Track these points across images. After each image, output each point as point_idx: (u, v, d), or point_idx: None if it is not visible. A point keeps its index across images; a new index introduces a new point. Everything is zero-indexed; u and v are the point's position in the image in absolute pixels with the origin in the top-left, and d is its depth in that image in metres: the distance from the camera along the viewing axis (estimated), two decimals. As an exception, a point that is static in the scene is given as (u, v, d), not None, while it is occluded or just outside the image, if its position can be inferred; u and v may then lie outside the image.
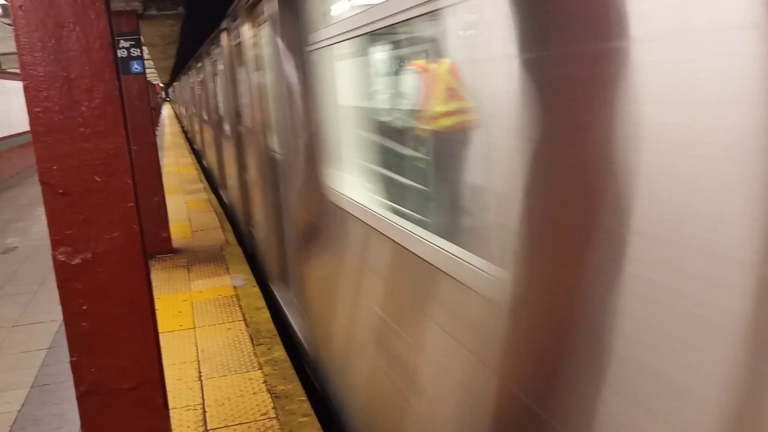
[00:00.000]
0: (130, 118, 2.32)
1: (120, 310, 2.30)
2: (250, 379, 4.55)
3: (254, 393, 4.35)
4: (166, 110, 62.85)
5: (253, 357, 4.91)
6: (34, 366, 5.22)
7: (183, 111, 33.03)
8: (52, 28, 2.09)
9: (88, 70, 2.13)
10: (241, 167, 7.65)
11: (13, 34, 2.11)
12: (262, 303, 6.11)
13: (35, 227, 10.87)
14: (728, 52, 0.95)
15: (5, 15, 7.88)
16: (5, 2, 7.28)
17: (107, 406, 2.38)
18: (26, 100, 2.12)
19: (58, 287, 2.26)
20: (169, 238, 8.17)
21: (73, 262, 2.22)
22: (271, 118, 5.21)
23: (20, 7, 2.07)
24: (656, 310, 1.12)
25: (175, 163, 18.93)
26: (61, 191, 2.18)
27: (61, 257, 2.22)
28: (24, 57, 2.11)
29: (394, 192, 3.19)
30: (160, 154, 9.53)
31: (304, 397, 4.25)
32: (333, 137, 3.32)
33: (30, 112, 2.13)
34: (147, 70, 8.01)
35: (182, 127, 36.49)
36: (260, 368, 4.71)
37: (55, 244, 2.21)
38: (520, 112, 1.48)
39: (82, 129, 2.15)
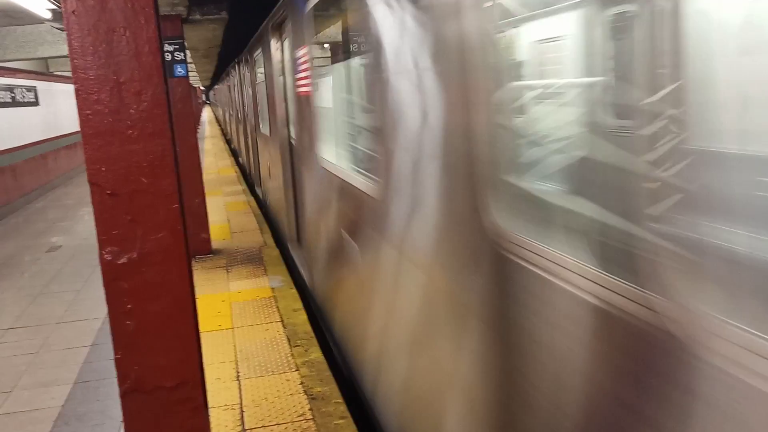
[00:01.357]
0: (174, 121, 2.36)
1: (164, 310, 2.33)
2: (287, 380, 4.59)
3: (291, 394, 4.38)
4: (206, 113, 63.75)
5: (290, 358, 4.95)
6: (77, 363, 5.34)
7: (228, 120, 29.58)
8: (103, 33, 2.13)
9: (138, 73, 2.17)
10: None
11: (66, 38, 2.16)
12: (299, 305, 6.15)
13: (79, 226, 11.13)
14: None
15: (55, 19, 8.07)
16: (56, 7, 7.48)
17: (149, 404, 2.42)
18: (77, 102, 2.17)
19: (105, 286, 2.30)
20: (208, 239, 8.29)
21: (119, 262, 2.26)
22: None
23: (73, 12, 2.13)
24: None
25: (214, 165, 19.19)
26: (109, 192, 2.22)
27: (108, 257, 2.26)
28: (76, 61, 2.16)
29: None
30: (200, 156, 9.66)
31: (341, 400, 4.27)
32: None
33: (81, 115, 2.18)
34: (189, 74, 8.14)
35: (222, 131, 36.99)
36: (297, 369, 4.74)
37: (103, 243, 2.26)
38: None
39: (131, 131, 2.20)
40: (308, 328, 5.55)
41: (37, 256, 9.21)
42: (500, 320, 2.07)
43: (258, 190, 12.39)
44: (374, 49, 3.14)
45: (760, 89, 1.70)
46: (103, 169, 2.21)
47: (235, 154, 22.63)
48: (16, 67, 14.64)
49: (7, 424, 4.46)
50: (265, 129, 9.37)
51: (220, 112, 39.90)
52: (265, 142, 9.51)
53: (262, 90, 9.54)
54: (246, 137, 14.89)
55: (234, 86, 18.36)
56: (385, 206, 3.15)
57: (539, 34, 2.48)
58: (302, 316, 5.83)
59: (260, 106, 10.21)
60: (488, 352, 2.17)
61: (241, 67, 14.26)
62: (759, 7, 1.74)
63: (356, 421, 4.09)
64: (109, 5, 2.12)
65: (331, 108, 5.26)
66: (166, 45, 7.34)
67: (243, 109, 15.17)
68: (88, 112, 2.18)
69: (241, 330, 5.61)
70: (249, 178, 15.46)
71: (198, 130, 32.93)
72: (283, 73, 6.85)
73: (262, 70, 9.10)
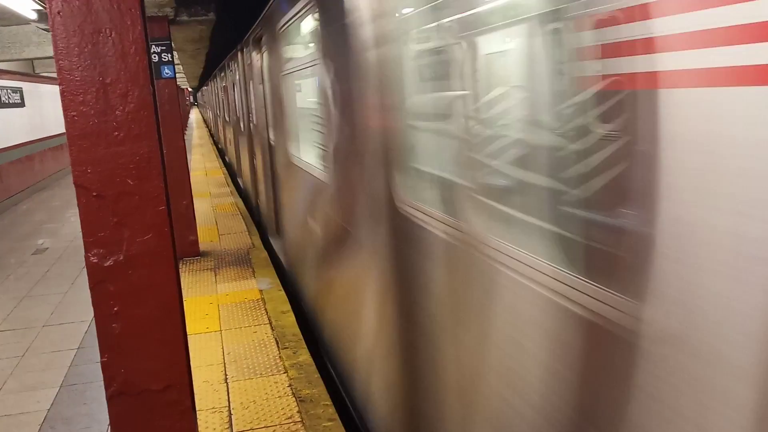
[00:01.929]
0: (161, 122, 2.35)
1: (151, 312, 2.32)
2: (275, 382, 4.57)
3: (279, 396, 4.37)
4: (194, 114, 63.54)
5: (278, 360, 4.93)
6: (64, 366, 5.30)
7: (221, 128, 22.28)
8: (89, 34, 2.12)
9: (124, 75, 2.16)
10: None
11: (51, 39, 2.15)
12: (287, 307, 6.14)
13: (66, 228, 11.05)
14: None
15: (41, 20, 8.02)
16: (41, 8, 7.44)
17: (136, 407, 2.40)
18: (62, 104, 2.16)
19: (91, 289, 2.28)
20: (196, 241, 8.26)
21: (105, 264, 2.25)
22: None
23: (58, 12, 2.11)
24: None
25: (202, 167, 19.12)
26: (95, 194, 2.21)
27: (93, 259, 2.25)
28: (61, 62, 2.15)
29: None
30: (188, 157, 9.61)
31: (329, 402, 4.26)
32: None
33: (66, 116, 2.17)
34: (176, 75, 8.11)
35: (209, 132, 36.94)
36: (285, 372, 4.72)
37: (89, 246, 2.24)
38: None
39: (117, 133, 2.19)
40: (296, 330, 5.54)
41: (23, 258, 9.14)
42: None
43: (277, 247, 7.69)
44: None
45: None
46: (89, 170, 2.20)
47: (228, 166, 18.58)
48: (2, 68, 14.52)
49: (-7, 428, 4.42)
50: (302, 157, 5.33)
51: (209, 114, 39.67)
52: (305, 184, 5.12)
53: (295, 87, 5.73)
54: (252, 156, 9.82)
55: (235, 84, 12.06)
56: None
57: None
58: (290, 318, 5.81)
59: (287, 115, 5.72)
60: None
61: (245, 57, 9.35)
62: None
63: (345, 423, 4.09)
64: (95, 6, 2.11)
65: None
66: (153, 46, 7.31)
67: (247, 117, 10.07)
68: (74, 113, 2.17)
69: (229, 332, 5.59)
70: (254, 214, 10.78)
71: (185, 133, 32.81)
72: (379, 43, 2.95)
73: (299, 47, 5.24)
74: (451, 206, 2.40)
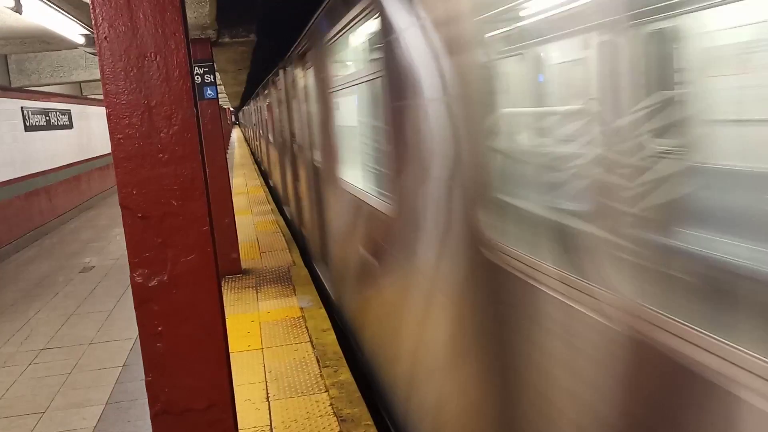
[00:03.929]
0: (203, 143, 2.38)
1: (194, 332, 2.34)
2: (316, 401, 4.56)
3: (321, 416, 4.35)
4: (235, 134, 64.56)
5: (319, 379, 4.92)
6: (110, 383, 5.38)
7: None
8: (134, 58, 2.17)
9: (168, 97, 2.20)
10: None
11: (98, 63, 2.20)
12: (328, 325, 6.14)
13: (112, 247, 11.27)
14: None
15: (88, 45, 8.25)
16: (89, 32, 7.65)
17: (180, 427, 2.41)
18: (109, 127, 2.20)
19: (136, 309, 2.31)
20: (238, 259, 8.33)
21: (150, 284, 2.28)
22: None
23: (105, 38, 2.16)
24: None
25: (243, 185, 19.36)
26: (140, 215, 2.24)
27: (139, 279, 2.28)
28: (108, 86, 2.19)
29: None
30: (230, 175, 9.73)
31: (371, 422, 4.23)
32: None
33: (112, 139, 2.21)
34: (218, 95, 8.24)
35: (250, 150, 37.46)
36: (326, 391, 4.71)
37: (134, 266, 2.27)
38: None
39: (161, 155, 2.22)
40: (337, 348, 5.53)
41: (71, 276, 9.34)
42: None
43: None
44: None
45: None
46: (134, 192, 2.24)
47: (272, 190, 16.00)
48: (51, 91, 14.97)
49: (41, 444, 4.50)
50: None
51: (251, 134, 40.11)
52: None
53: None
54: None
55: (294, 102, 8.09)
56: None
57: None
58: (331, 337, 5.81)
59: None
60: None
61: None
62: None
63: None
64: (140, 31, 2.15)
65: None
66: (196, 68, 7.45)
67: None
68: (120, 136, 2.21)
69: (270, 350, 5.61)
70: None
71: (227, 152, 33.31)
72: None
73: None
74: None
